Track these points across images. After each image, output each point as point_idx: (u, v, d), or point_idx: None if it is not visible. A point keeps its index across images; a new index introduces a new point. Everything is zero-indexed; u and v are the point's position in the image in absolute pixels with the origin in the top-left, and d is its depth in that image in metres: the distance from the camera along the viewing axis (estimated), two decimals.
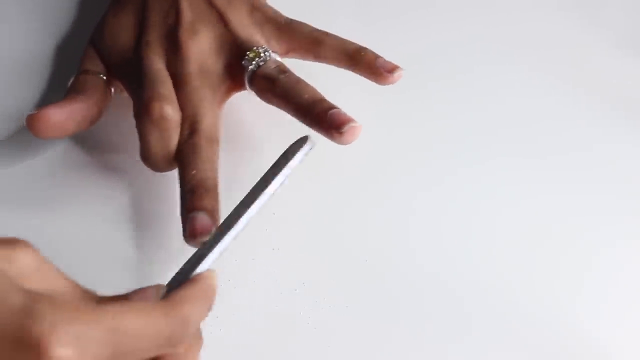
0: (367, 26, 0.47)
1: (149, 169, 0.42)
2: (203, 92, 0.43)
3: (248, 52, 0.43)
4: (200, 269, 0.35)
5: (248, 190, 0.38)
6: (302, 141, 0.38)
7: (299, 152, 0.38)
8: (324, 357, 0.39)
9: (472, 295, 0.41)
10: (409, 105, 0.49)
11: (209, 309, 0.33)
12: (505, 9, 0.54)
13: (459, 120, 0.48)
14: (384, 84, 0.44)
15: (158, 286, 0.33)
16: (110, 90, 0.45)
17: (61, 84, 0.45)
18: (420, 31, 0.52)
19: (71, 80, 0.44)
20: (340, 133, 0.40)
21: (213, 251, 0.35)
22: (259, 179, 0.38)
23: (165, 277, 0.38)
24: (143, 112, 0.41)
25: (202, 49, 0.44)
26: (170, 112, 0.41)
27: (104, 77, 0.44)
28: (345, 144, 0.40)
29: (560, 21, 0.54)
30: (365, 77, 0.44)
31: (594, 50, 0.52)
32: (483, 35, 0.52)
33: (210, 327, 0.38)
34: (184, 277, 0.35)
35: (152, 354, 0.30)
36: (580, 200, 0.45)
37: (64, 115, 0.42)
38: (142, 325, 0.29)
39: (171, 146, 0.41)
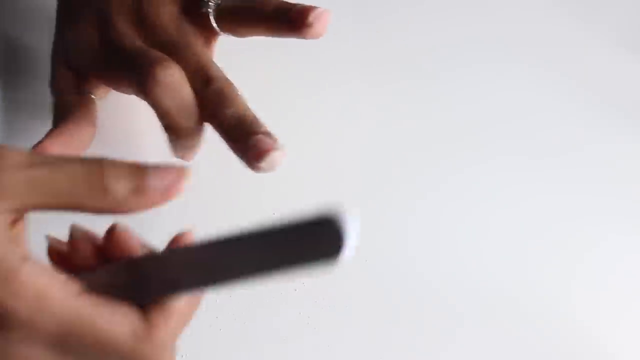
0: (364, 25, 0.47)
1: (178, 141, 0.40)
2: (195, 48, 0.41)
3: None
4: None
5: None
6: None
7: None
8: (324, 357, 0.39)
9: (471, 294, 0.41)
10: (405, 105, 0.48)
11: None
12: (504, 8, 0.55)
13: (458, 119, 0.48)
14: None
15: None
16: (94, 103, 0.43)
17: None
18: (419, 29, 0.52)
19: (52, 107, 0.43)
20: (309, 26, 0.39)
21: None
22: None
23: None
24: (147, 81, 0.39)
25: (169, 13, 0.42)
26: (174, 66, 0.39)
27: (85, 93, 0.43)
28: (318, 37, 0.39)
29: (560, 21, 0.54)
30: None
31: (594, 50, 0.52)
32: (481, 35, 0.52)
33: (210, 327, 0.39)
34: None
35: (65, 199, 0.28)
36: (579, 200, 0.45)
37: (63, 146, 0.40)
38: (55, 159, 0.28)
39: (189, 100, 0.39)
